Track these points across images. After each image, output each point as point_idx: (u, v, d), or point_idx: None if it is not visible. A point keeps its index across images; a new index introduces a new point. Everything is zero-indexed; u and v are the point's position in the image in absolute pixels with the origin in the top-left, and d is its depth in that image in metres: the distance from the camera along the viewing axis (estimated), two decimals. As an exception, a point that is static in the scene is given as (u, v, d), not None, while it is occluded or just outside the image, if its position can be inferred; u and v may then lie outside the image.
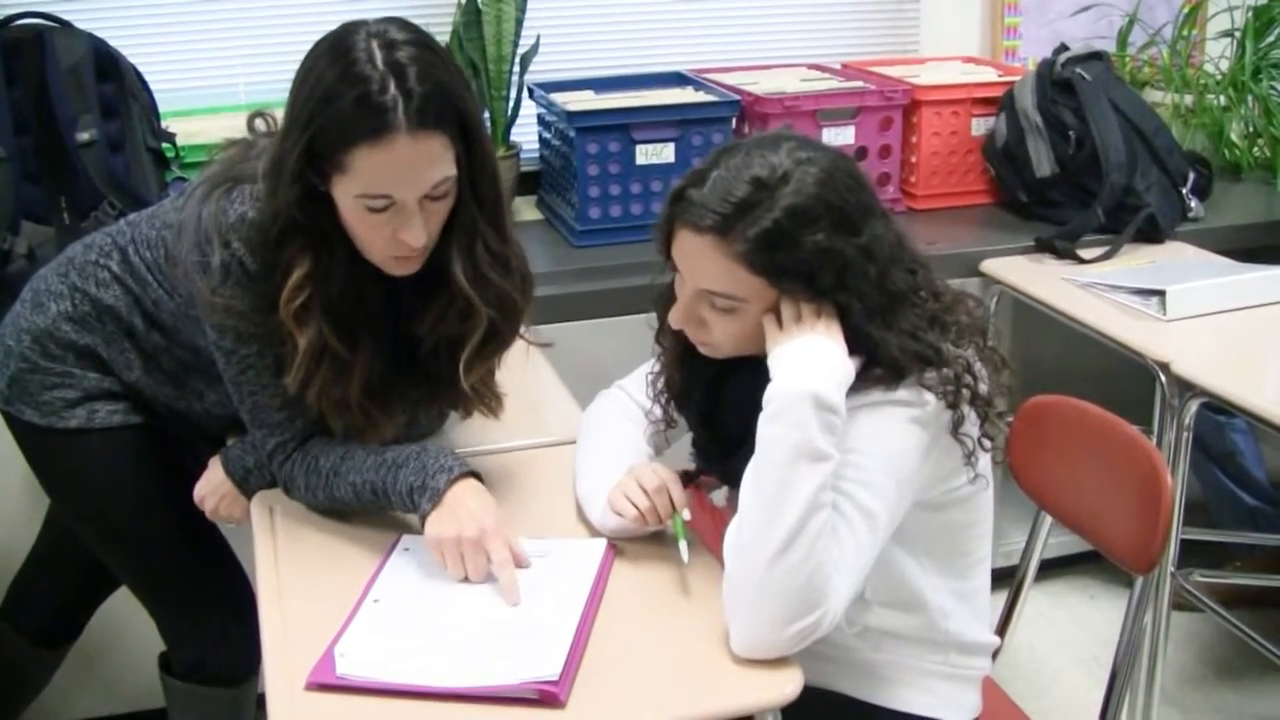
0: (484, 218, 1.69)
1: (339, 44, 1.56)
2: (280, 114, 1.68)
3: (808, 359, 1.46)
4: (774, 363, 1.49)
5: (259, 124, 1.78)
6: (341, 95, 1.52)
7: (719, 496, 1.87)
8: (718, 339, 1.57)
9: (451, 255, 1.68)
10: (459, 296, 1.71)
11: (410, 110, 1.52)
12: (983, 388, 1.55)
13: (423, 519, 1.62)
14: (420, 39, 1.58)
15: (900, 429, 1.51)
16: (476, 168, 1.64)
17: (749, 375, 1.53)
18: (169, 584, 2.01)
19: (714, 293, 1.52)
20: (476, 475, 1.67)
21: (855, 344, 1.50)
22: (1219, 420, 2.84)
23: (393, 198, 1.56)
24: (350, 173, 1.55)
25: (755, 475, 1.44)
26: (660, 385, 1.77)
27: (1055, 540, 2.07)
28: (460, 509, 1.61)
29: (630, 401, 1.84)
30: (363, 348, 1.70)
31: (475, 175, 1.65)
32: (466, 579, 1.59)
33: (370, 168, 1.54)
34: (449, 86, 1.57)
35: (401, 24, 1.59)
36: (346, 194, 1.58)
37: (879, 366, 1.51)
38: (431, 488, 1.62)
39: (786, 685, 1.38)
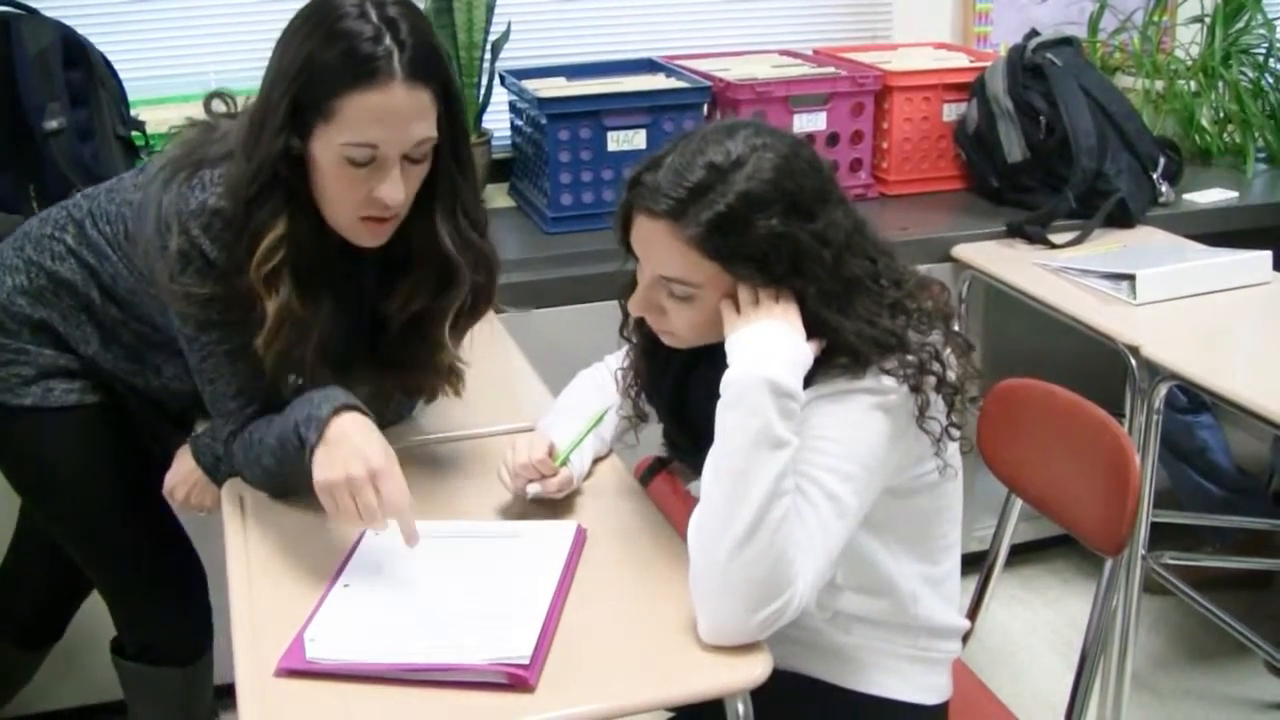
0: (465, 182, 1.71)
1: (326, 3, 1.57)
2: (241, 99, 1.68)
3: (763, 344, 1.45)
4: (730, 348, 1.48)
5: (217, 105, 1.77)
6: (334, 44, 1.54)
7: (696, 488, 1.86)
8: (678, 327, 1.57)
9: (436, 220, 1.70)
10: (437, 266, 1.72)
11: (404, 60, 1.54)
12: (951, 375, 1.54)
13: (311, 454, 1.58)
14: (407, 1, 1.61)
15: (864, 416, 1.50)
16: (458, 132, 1.66)
17: (714, 368, 1.51)
18: (119, 563, 2.00)
19: (670, 279, 1.51)
20: (364, 413, 1.63)
21: (814, 330, 1.49)
22: (1186, 421, 2.86)
23: (377, 148, 1.57)
24: (337, 120, 1.55)
25: (715, 464, 1.43)
26: (630, 379, 1.77)
27: (1030, 525, 2.08)
28: (345, 444, 1.56)
29: (609, 374, 1.85)
30: (322, 311, 1.69)
31: (456, 139, 1.67)
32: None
33: (360, 113, 1.55)
34: (437, 46, 1.60)
35: None
36: (329, 145, 1.58)
37: (841, 354, 1.50)
38: (315, 417, 1.59)
39: (755, 668, 1.38)
